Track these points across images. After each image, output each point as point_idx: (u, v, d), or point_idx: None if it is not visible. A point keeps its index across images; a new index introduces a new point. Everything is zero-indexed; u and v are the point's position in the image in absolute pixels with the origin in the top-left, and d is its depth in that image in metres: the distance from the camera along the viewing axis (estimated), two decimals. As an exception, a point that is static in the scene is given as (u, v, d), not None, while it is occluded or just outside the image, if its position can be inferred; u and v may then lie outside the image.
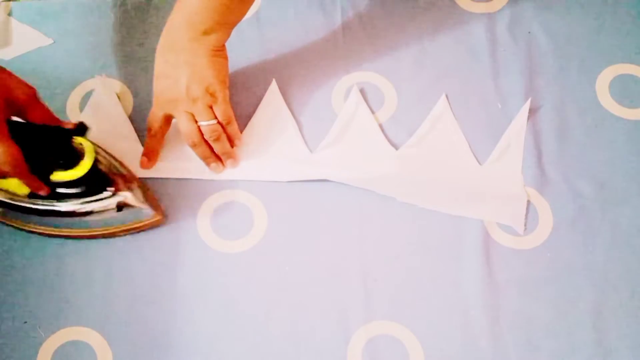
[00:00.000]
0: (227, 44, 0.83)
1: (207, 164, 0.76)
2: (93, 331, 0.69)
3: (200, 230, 0.74)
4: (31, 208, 0.69)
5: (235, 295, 0.71)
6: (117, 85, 0.80)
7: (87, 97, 0.80)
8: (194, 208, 0.74)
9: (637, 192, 0.76)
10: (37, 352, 0.68)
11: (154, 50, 0.82)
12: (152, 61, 0.81)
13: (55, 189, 0.68)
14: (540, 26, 0.85)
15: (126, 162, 0.74)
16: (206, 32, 0.71)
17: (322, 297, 0.71)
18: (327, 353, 0.69)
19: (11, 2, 0.85)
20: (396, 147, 0.78)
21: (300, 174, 0.76)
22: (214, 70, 0.72)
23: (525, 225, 0.74)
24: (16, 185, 0.69)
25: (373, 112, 0.80)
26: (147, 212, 0.71)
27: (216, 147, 0.75)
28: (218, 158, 0.76)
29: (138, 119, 0.79)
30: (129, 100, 0.80)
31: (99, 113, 0.79)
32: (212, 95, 0.73)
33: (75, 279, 0.71)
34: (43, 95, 0.78)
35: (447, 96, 0.80)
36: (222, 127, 0.74)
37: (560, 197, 0.76)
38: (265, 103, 0.80)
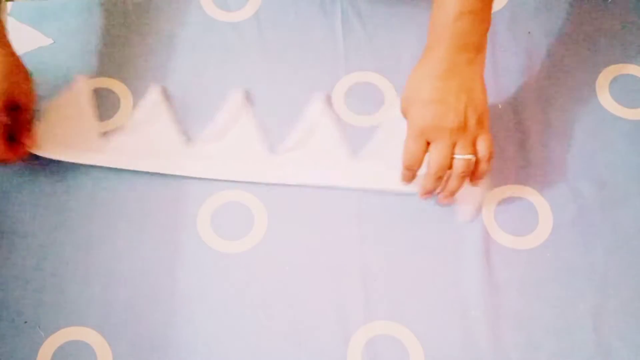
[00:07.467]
0: (225, 44, 0.84)
1: (422, 193, 0.71)
2: (93, 331, 0.69)
3: (200, 230, 0.74)
4: None
5: (235, 295, 0.71)
6: (117, 86, 0.80)
7: (87, 97, 0.80)
8: (194, 208, 0.74)
9: (637, 192, 0.76)
10: (37, 352, 0.68)
11: (154, 51, 0.83)
12: (152, 61, 0.82)
13: None
14: (540, 26, 0.85)
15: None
16: (479, 50, 0.66)
17: (322, 297, 0.71)
18: (327, 353, 0.69)
19: (10, 2, 0.85)
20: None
21: (255, 175, 0.75)
22: (485, 96, 0.67)
23: (471, 219, 0.73)
24: None
25: (371, 114, 0.80)
26: None
27: (453, 183, 0.68)
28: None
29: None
30: (129, 101, 0.80)
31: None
32: (481, 125, 0.67)
33: (75, 279, 0.71)
34: (43, 95, 0.79)
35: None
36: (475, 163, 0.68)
37: (560, 197, 0.76)
38: (227, 104, 0.79)
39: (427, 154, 0.69)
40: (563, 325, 0.70)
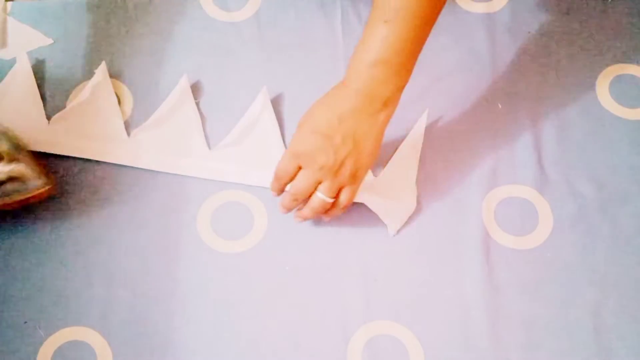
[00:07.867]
0: (226, 45, 0.84)
1: (280, 206, 0.71)
2: (93, 331, 0.69)
3: (200, 230, 0.74)
4: None
5: (235, 295, 0.71)
6: (117, 86, 0.80)
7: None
8: (194, 208, 0.75)
9: (637, 192, 0.76)
10: (37, 352, 0.68)
11: (154, 51, 0.82)
12: (152, 61, 0.82)
13: None
14: (540, 26, 0.85)
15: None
16: (386, 104, 0.65)
17: (322, 297, 0.71)
18: (327, 353, 0.69)
19: (11, 2, 0.85)
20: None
21: (194, 170, 0.76)
22: (374, 157, 0.67)
23: (398, 231, 0.73)
24: None
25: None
26: (34, 183, 0.69)
27: (306, 211, 0.69)
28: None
29: (137, 120, 0.79)
30: (129, 101, 0.80)
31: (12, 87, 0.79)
32: (354, 178, 0.67)
33: (75, 279, 0.71)
34: (43, 95, 0.79)
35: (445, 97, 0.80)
36: (332, 204, 0.68)
37: (560, 197, 0.76)
38: (172, 96, 0.79)
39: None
40: (563, 325, 0.70)
